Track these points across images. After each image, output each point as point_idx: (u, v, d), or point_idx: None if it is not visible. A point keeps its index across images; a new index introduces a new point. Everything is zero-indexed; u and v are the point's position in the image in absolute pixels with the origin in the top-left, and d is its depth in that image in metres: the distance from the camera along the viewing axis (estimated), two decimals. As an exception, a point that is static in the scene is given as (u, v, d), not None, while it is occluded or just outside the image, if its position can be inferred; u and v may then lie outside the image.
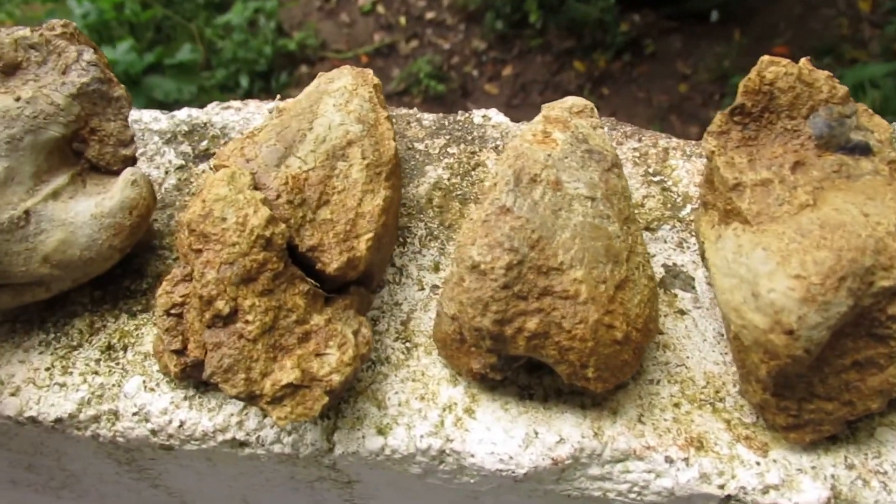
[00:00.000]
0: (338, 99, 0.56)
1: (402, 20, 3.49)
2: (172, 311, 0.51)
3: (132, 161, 0.56)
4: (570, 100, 0.56)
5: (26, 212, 0.51)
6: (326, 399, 0.47)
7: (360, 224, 0.51)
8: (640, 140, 0.63)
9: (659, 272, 0.56)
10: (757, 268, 0.42)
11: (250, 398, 0.47)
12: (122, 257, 0.54)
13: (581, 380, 0.47)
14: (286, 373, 0.47)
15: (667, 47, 3.38)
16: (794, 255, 0.41)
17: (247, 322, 0.47)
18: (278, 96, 0.65)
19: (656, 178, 0.60)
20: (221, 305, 0.47)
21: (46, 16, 2.74)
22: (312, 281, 0.50)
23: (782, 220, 0.44)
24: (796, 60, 0.50)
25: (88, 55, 0.55)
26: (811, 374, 0.44)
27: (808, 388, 0.44)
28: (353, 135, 0.54)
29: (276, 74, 3.64)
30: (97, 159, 0.55)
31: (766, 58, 0.49)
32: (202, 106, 0.69)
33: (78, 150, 0.55)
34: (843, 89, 0.49)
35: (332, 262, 0.50)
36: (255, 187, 0.50)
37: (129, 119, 0.56)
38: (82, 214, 0.52)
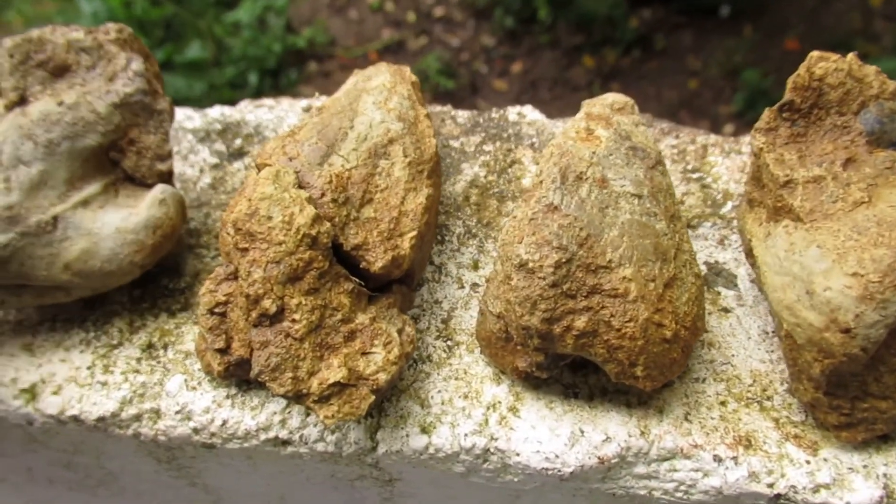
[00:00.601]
0: (377, 96, 0.56)
1: (411, 17, 3.48)
2: (216, 310, 0.51)
3: (168, 176, 0.55)
4: (611, 96, 0.56)
5: (55, 217, 0.51)
6: (373, 398, 0.47)
7: (403, 222, 0.51)
8: (677, 137, 0.62)
9: (701, 270, 0.56)
10: (811, 265, 0.42)
11: (297, 397, 0.46)
12: (143, 273, 0.53)
13: (630, 378, 0.46)
14: (333, 371, 0.46)
15: (677, 43, 3.36)
16: (851, 252, 0.41)
17: (294, 321, 0.47)
18: (316, 94, 0.65)
19: (695, 175, 0.60)
20: (268, 304, 0.47)
21: (57, 14, 2.74)
22: (357, 280, 0.50)
23: (837, 218, 0.44)
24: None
25: (137, 65, 0.54)
26: (866, 372, 0.43)
27: (862, 386, 0.44)
28: (395, 133, 0.53)
29: (286, 71, 3.63)
30: (133, 171, 0.54)
31: (815, 53, 0.48)
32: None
33: (115, 160, 0.54)
34: (893, 84, 0.49)
35: (377, 260, 0.49)
36: (299, 186, 0.50)
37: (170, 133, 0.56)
38: (108, 226, 0.52)
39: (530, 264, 0.46)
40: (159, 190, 0.53)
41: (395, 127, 0.54)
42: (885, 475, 0.45)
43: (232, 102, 0.69)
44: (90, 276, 0.51)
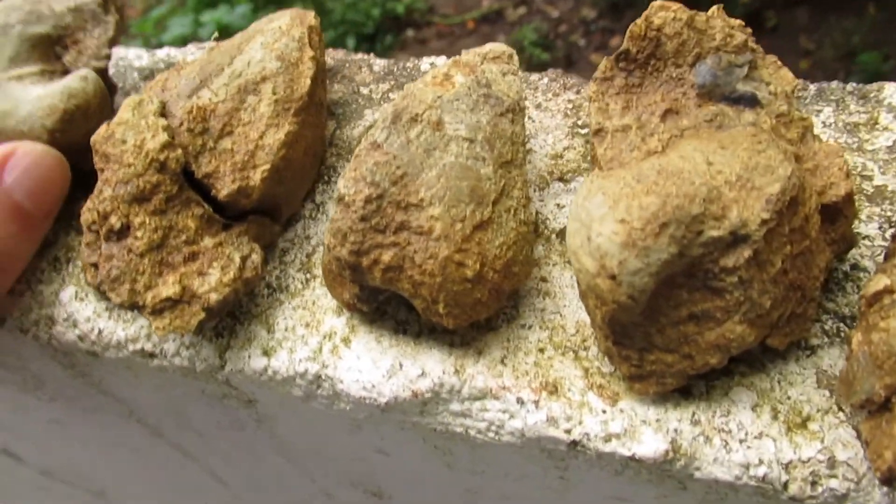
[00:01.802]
0: (268, 38, 0.58)
1: (513, -14, 3.46)
2: (92, 227, 0.55)
3: (101, 74, 0.61)
4: (489, 45, 0.56)
5: None
6: (203, 315, 0.50)
7: (258, 155, 0.54)
8: (578, 92, 0.62)
9: (563, 222, 0.55)
10: (593, 212, 0.42)
11: (132, 307, 0.51)
12: (52, 142, 0.58)
13: (435, 315, 0.48)
14: (167, 287, 0.50)
15: (791, 21, 3.19)
16: (624, 199, 0.41)
17: (136, 238, 0.51)
18: (215, 33, 0.68)
19: (583, 131, 0.59)
20: (114, 221, 0.51)
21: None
22: (209, 207, 0.53)
23: (629, 166, 0.43)
24: None
25: None
26: (648, 323, 0.43)
27: (647, 338, 0.43)
28: (269, 71, 0.56)
29: (382, 37, 3.69)
30: (71, 65, 0.62)
31: (656, 3, 0.47)
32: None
33: (58, 54, 0.61)
34: (740, 38, 0.47)
35: (224, 188, 0.52)
36: (163, 115, 0.53)
37: (112, 46, 0.63)
38: (31, 93, 0.58)
39: (346, 198, 0.48)
40: (84, 70, 0.59)
41: (271, 66, 0.56)
42: (675, 430, 0.45)
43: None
44: (4, 136, 0.57)
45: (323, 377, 0.52)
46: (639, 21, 0.48)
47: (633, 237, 0.39)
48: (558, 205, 0.56)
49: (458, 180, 0.48)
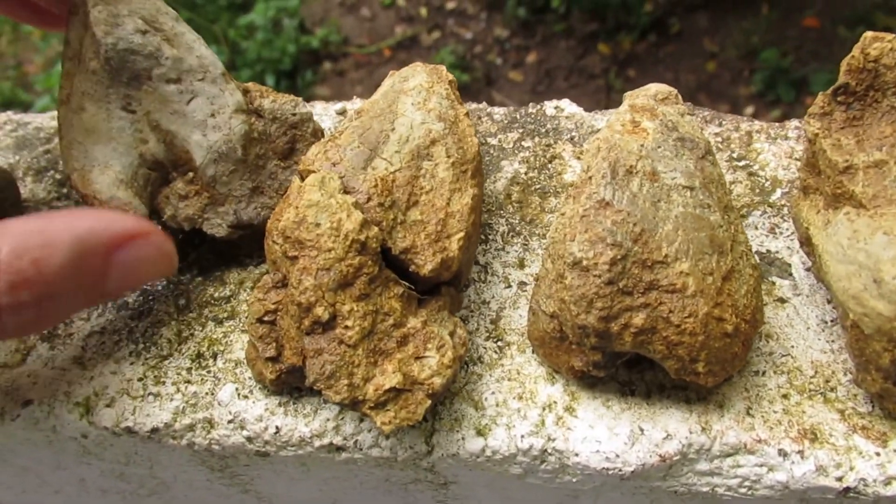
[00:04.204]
0: (416, 97, 0.55)
1: (423, 11, 3.47)
2: (265, 319, 0.50)
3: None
4: (654, 87, 0.55)
5: None
6: (429, 402, 0.46)
7: (450, 224, 0.50)
8: (720, 125, 0.61)
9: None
10: (878, 253, 0.41)
11: (353, 404, 0.46)
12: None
13: (690, 374, 0.45)
14: (388, 377, 0.46)
15: (693, 25, 3.33)
16: (919, 239, 0.40)
17: (346, 328, 0.46)
18: (355, 97, 0.64)
19: (741, 163, 0.59)
20: (321, 312, 0.46)
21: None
22: (406, 283, 0.49)
23: (900, 203, 0.43)
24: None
25: (248, 213, 0.58)
26: (936, 360, 0.42)
27: (933, 374, 0.43)
28: (436, 133, 0.53)
29: (301, 72, 3.63)
30: (160, 206, 0.57)
31: (869, 34, 0.47)
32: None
33: (163, 181, 0.57)
34: (948, 63, 0.47)
35: (426, 263, 0.49)
36: (345, 191, 0.49)
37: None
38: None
39: (584, 262, 0.45)
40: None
41: (436, 127, 0.53)
42: (958, 465, 0.44)
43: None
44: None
45: (549, 451, 0.49)
46: (855, 54, 0.47)
47: (943, 277, 0.39)
48: (740, 242, 0.55)
49: (696, 231, 0.46)
